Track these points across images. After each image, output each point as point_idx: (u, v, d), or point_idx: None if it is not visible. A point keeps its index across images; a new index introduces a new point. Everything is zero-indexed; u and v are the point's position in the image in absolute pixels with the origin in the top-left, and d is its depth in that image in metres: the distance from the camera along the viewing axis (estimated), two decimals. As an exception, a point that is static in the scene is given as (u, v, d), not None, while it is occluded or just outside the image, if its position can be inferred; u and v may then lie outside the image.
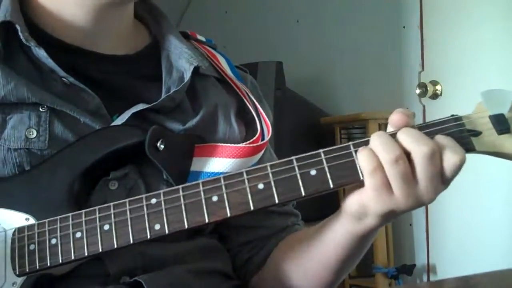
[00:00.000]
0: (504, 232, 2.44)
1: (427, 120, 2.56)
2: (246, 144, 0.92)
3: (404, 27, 2.85)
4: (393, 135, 0.74)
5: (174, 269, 0.89)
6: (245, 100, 1.02)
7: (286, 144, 2.70)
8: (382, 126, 2.73)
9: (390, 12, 2.93)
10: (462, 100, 2.53)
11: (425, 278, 2.76)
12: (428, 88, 2.68)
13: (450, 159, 0.72)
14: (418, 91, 2.71)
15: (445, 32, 2.64)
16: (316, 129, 2.95)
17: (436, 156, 0.71)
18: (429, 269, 2.74)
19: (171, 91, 0.94)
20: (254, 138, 0.95)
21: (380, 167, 0.72)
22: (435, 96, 2.69)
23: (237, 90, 1.03)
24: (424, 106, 2.74)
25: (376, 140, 0.73)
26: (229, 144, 0.91)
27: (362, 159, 0.73)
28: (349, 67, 3.13)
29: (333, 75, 3.22)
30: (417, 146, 0.72)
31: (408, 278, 2.70)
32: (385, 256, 2.69)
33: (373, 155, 0.73)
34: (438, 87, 2.68)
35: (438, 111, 2.67)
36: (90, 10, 0.93)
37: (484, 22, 2.49)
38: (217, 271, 0.96)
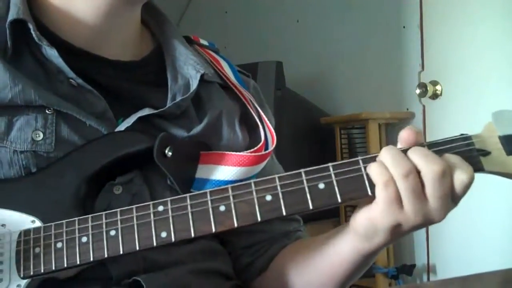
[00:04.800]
0: (505, 232, 2.44)
1: (427, 120, 2.56)
2: (251, 153, 0.92)
3: (404, 27, 2.86)
4: (404, 152, 0.74)
5: (174, 269, 0.89)
6: (248, 106, 1.02)
7: (286, 144, 2.70)
8: (382, 126, 2.74)
9: (390, 12, 2.93)
10: (462, 100, 2.54)
11: (425, 278, 2.76)
12: (428, 88, 2.68)
13: (459, 177, 0.72)
14: (418, 91, 2.71)
15: (445, 32, 2.64)
16: (316, 129, 2.95)
17: (446, 175, 0.72)
18: (429, 269, 2.74)
19: (178, 99, 0.95)
20: (258, 146, 0.95)
21: (392, 180, 0.72)
22: (435, 96, 2.69)
23: (241, 97, 1.03)
24: (424, 106, 2.75)
25: (387, 154, 0.74)
26: (234, 153, 0.91)
27: (375, 172, 0.73)
28: (349, 67, 3.13)
29: (333, 75, 3.21)
30: (427, 164, 0.72)
31: (408, 278, 2.70)
32: (385, 256, 2.70)
33: (385, 168, 0.73)
34: (438, 87, 2.68)
35: (438, 111, 2.67)
36: (101, 10, 0.93)
37: (484, 22, 2.49)
38: (217, 271, 0.96)
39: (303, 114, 3.00)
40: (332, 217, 2.70)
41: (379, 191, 0.73)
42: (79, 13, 0.93)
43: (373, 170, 0.73)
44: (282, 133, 2.70)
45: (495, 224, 2.47)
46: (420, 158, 0.73)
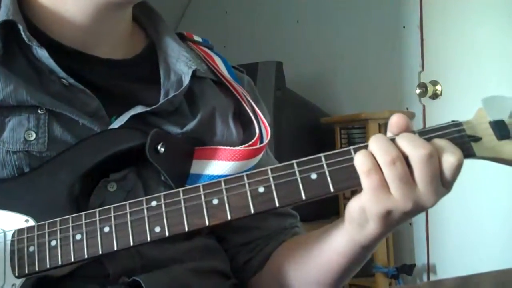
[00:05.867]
0: (504, 232, 2.44)
1: (427, 120, 2.56)
2: (245, 147, 0.92)
3: (404, 27, 2.86)
4: (392, 140, 0.74)
5: (172, 268, 0.89)
6: (242, 101, 1.02)
7: (286, 144, 2.70)
8: (382, 126, 2.73)
9: (390, 12, 2.93)
10: (462, 100, 2.54)
11: (425, 278, 2.76)
12: (428, 88, 2.69)
13: (447, 160, 0.72)
14: (418, 91, 2.72)
15: (445, 32, 2.64)
16: (316, 129, 2.95)
17: (433, 158, 0.71)
18: (429, 269, 2.74)
19: (170, 95, 0.94)
20: (253, 140, 0.95)
21: (375, 168, 0.72)
22: (435, 96, 2.69)
23: (234, 92, 1.03)
24: (424, 106, 2.75)
25: (374, 142, 0.73)
26: (228, 147, 0.91)
27: (358, 161, 0.73)
28: (349, 67, 3.13)
29: (333, 75, 3.22)
30: (414, 149, 0.72)
31: (408, 278, 2.70)
32: (385, 256, 2.69)
33: (369, 157, 0.72)
34: (438, 87, 2.68)
35: (438, 111, 2.68)
36: (89, 11, 0.92)
37: (484, 22, 2.49)
38: (215, 270, 0.96)
39: (303, 114, 3.00)
40: (331, 216, 2.70)
41: (363, 180, 0.73)
42: (69, 15, 0.93)
43: (356, 159, 0.73)
44: (282, 133, 2.70)
45: (495, 224, 2.47)
46: (407, 143, 0.72)
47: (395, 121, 0.76)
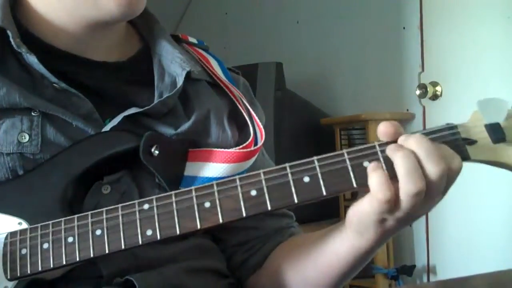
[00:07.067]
0: (504, 232, 2.44)
1: (427, 121, 2.54)
2: (240, 149, 0.92)
3: (404, 28, 2.85)
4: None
5: (167, 268, 0.89)
6: (237, 103, 1.02)
7: (286, 145, 2.69)
8: (382, 127, 2.73)
9: (390, 13, 2.93)
10: (462, 101, 2.53)
11: (425, 279, 2.76)
12: (428, 89, 2.68)
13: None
14: (418, 92, 2.71)
15: (445, 33, 2.64)
16: (316, 130, 2.95)
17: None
18: (429, 269, 2.74)
19: (164, 96, 0.94)
20: (247, 142, 0.95)
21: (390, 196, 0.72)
22: (435, 97, 2.69)
23: (229, 94, 1.03)
24: (424, 107, 2.74)
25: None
26: (222, 149, 0.91)
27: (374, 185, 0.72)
28: (349, 68, 3.13)
29: (333, 76, 3.21)
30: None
31: (408, 278, 2.70)
32: (385, 257, 2.69)
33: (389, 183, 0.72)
34: (438, 88, 2.68)
35: (438, 112, 2.67)
36: (81, 23, 0.92)
37: (484, 23, 2.49)
38: (211, 269, 0.96)
39: (303, 115, 3.00)
40: (332, 217, 2.69)
41: (374, 199, 0.72)
42: (60, 23, 0.93)
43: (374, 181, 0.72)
44: (282, 134, 2.70)
45: (495, 225, 2.47)
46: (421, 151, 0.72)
47: (383, 130, 0.75)
